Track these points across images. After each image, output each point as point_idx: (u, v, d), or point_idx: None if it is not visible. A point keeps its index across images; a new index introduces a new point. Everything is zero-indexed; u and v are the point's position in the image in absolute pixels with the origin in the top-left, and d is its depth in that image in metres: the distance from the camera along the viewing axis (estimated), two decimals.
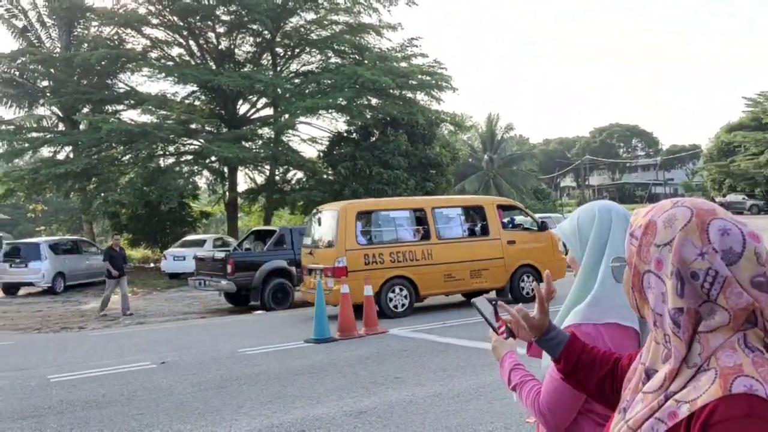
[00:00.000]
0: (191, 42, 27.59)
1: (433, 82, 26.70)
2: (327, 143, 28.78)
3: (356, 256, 11.16)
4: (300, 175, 28.84)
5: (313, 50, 28.25)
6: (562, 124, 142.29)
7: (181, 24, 26.46)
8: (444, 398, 5.94)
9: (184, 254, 21.03)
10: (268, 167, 28.44)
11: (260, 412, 5.76)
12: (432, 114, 27.37)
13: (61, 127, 28.02)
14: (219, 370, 7.70)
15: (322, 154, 28.64)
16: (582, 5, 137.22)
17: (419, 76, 26.37)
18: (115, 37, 27.17)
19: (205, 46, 27.76)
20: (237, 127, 26.54)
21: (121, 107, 27.99)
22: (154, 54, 27.52)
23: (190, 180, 27.21)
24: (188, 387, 6.88)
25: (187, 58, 27.75)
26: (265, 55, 28.48)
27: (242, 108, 28.64)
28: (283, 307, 14.47)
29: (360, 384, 6.65)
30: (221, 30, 27.25)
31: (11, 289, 20.02)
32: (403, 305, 11.51)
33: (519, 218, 15.56)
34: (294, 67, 29.21)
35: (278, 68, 28.25)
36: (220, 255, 15.11)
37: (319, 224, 12.11)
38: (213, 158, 25.77)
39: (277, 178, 28.50)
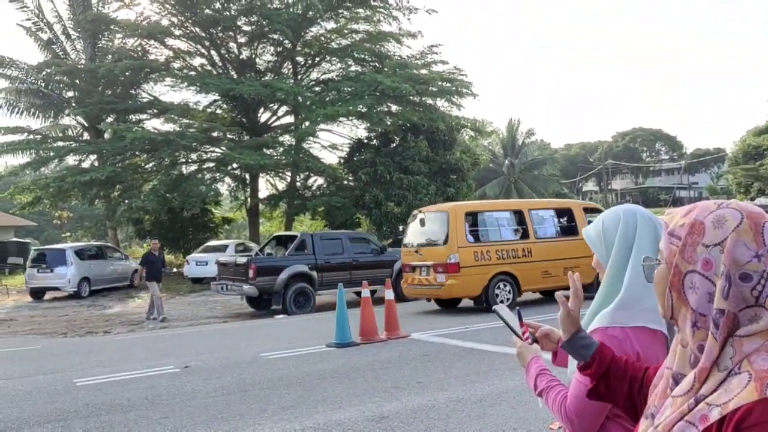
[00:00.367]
0: (213, 52, 27.92)
1: (453, 88, 26.71)
2: (347, 150, 28.91)
3: (467, 253, 12.05)
4: (321, 181, 29.03)
5: (334, 59, 28.42)
6: (584, 129, 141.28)
7: (203, 35, 26.79)
8: (466, 403, 5.90)
9: (207, 259, 21.23)
10: (289, 174, 28.65)
11: (282, 416, 5.77)
12: (452, 120, 27.37)
13: (86, 136, 28.46)
14: (241, 374, 7.74)
15: (342, 161, 28.77)
16: (594, 8, 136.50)
17: (439, 83, 26.40)
18: (139, 49, 27.60)
19: (226, 55, 28.07)
20: (258, 135, 26.77)
21: (144, 116, 28.40)
22: (176, 64, 27.90)
23: (213, 186, 27.47)
24: (211, 391, 6.92)
25: (209, 67, 28.08)
26: (285, 64, 28.72)
27: (263, 116, 28.91)
28: (304, 311, 14.54)
29: (382, 389, 6.64)
30: (242, 40, 27.55)
31: (38, 293, 20.36)
32: (507, 299, 12.14)
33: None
34: (314, 75, 29.43)
35: (299, 77, 28.46)
36: (242, 260, 15.24)
37: (422, 225, 12.82)
38: (235, 165, 26.03)
39: (298, 184, 28.68)
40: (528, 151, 52.39)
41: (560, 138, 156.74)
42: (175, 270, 28.52)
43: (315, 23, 27.06)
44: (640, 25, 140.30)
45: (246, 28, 26.86)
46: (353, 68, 28.16)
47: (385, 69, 26.06)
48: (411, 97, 25.65)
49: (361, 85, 24.64)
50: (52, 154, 27.10)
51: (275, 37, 26.78)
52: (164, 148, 24.63)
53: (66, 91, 28.23)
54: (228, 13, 26.00)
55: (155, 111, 27.62)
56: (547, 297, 13.50)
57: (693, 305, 1.06)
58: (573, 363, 1.76)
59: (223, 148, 26.13)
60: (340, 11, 27.03)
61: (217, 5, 25.96)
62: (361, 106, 24.99)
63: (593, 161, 70.54)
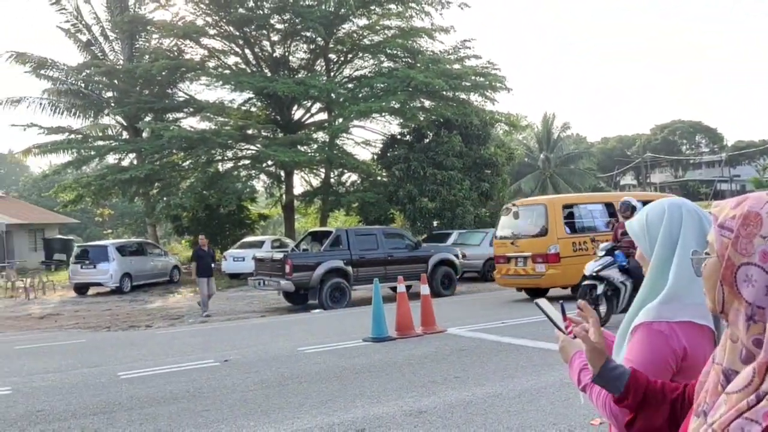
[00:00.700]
0: (247, 51, 28.21)
1: (487, 83, 26.53)
2: (381, 146, 28.96)
3: (566, 244, 12.69)
4: (354, 177, 29.13)
5: (366, 55, 28.45)
6: (621, 122, 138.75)
7: (237, 34, 27.08)
8: (505, 398, 5.87)
9: (244, 255, 21.50)
10: (323, 170, 28.84)
11: (321, 410, 5.82)
12: (486, 114, 27.19)
13: (125, 135, 29.06)
14: (279, 368, 7.83)
15: (375, 157, 28.83)
16: (615, 4, 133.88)
17: (472, 78, 26.23)
18: (175, 48, 28.03)
19: (260, 54, 28.34)
20: (292, 132, 26.99)
21: (181, 115, 28.85)
22: (211, 63, 28.26)
23: (248, 183, 27.84)
24: (250, 384, 7.02)
25: (243, 66, 28.38)
26: (318, 61, 28.86)
27: (297, 113, 29.12)
28: (340, 306, 14.64)
29: (419, 383, 6.65)
30: (276, 38, 27.77)
31: (82, 289, 20.89)
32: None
33: None
34: (347, 72, 29.51)
35: (332, 73, 28.57)
36: (279, 256, 15.40)
37: (516, 217, 13.43)
38: (269, 162, 26.31)
39: (332, 180, 28.84)
40: (564, 145, 51.68)
41: (596, 131, 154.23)
42: (213, 265, 28.97)
43: (347, 20, 27.13)
44: (663, 22, 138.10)
45: (279, 26, 27.08)
46: (386, 64, 28.17)
47: (418, 64, 26.01)
48: (444, 92, 25.55)
49: (394, 81, 24.63)
50: (92, 153, 27.76)
51: (308, 34, 26.93)
52: (201, 146, 25.02)
53: (105, 91, 28.85)
54: (261, 12, 26.24)
55: (191, 109, 28.05)
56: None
57: (749, 298, 1.03)
58: (616, 356, 1.75)
59: (258, 145, 26.42)
60: (372, 7, 27.03)
61: (251, 4, 26.22)
62: (393, 102, 25.00)
63: (631, 155, 69.22)
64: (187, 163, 27.95)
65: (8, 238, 30.43)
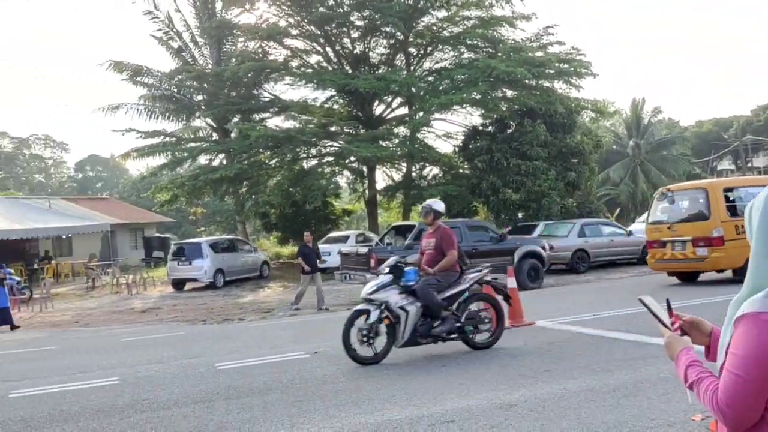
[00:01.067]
0: (328, 49, 28.66)
1: (572, 69, 25.74)
2: (462, 138, 28.70)
3: (728, 227, 12.59)
4: (436, 170, 29.06)
5: (446, 47, 28.25)
6: (718, 104, 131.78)
7: (318, 32, 27.56)
8: (599, 393, 5.69)
9: (329, 250, 21.88)
10: (404, 164, 28.93)
11: (410, 402, 5.85)
12: (571, 102, 26.41)
13: (215, 136, 30.25)
14: None
15: (457, 149, 28.60)
16: None
17: (556, 65, 25.52)
18: (259, 50, 28.87)
19: (341, 51, 28.73)
20: (374, 128, 27.21)
21: (266, 115, 29.70)
22: (294, 63, 28.91)
23: (332, 180, 28.28)
24: (340, 376, 7.15)
25: (325, 64, 28.86)
26: (398, 56, 28.93)
27: (378, 109, 29.32)
28: None
29: (508, 376, 6.55)
30: (356, 35, 28.06)
31: (179, 284, 21.96)
32: None
33: None
34: (427, 65, 29.42)
35: (411, 67, 28.57)
36: (364, 250, 15.61)
37: (672, 202, 13.61)
38: (352, 158, 26.65)
39: (414, 174, 28.88)
40: (654, 130, 49.37)
41: (690, 115, 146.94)
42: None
43: (426, 13, 27.02)
44: (697, 15, 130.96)
45: (359, 23, 27.33)
46: (466, 55, 27.86)
47: (499, 54, 25.56)
48: (527, 81, 24.99)
49: (475, 72, 24.32)
50: (185, 154, 29.07)
51: (387, 29, 27.03)
52: (286, 145, 25.69)
53: (196, 95, 30.11)
54: (341, 10, 26.59)
55: (276, 109, 28.84)
56: None
57: None
58: (722, 355, 1.68)
59: (341, 142, 26.83)
60: None
61: (331, 2, 26.59)
62: (475, 93, 24.70)
63: (728, 138, 65.21)
64: (274, 161, 28.76)
65: (112, 237, 32.46)
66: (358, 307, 7.78)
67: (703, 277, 13.91)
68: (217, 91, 28.03)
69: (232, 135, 28.57)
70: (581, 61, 26.05)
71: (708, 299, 10.70)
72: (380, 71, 27.37)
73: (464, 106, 26.88)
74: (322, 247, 23.25)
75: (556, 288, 16.23)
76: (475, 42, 27.07)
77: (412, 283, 7.58)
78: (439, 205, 8.37)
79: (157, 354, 9.77)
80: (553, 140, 25.18)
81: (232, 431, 5.34)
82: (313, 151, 28.76)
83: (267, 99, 29.38)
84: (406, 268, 7.74)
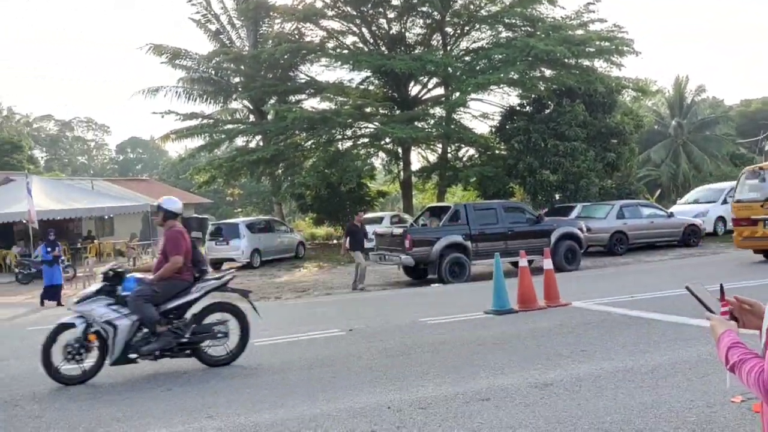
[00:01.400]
0: (364, 29, 28.54)
1: (613, 47, 25.12)
2: (499, 118, 28.36)
3: None
4: (472, 151, 28.82)
5: (483, 26, 27.81)
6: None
7: (354, 13, 27.44)
8: (636, 373, 5.62)
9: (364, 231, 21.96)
10: (440, 145, 28.76)
11: (445, 379, 5.87)
12: (612, 81, 25.81)
13: (251, 118, 30.53)
14: (402, 337, 7.98)
15: (494, 130, 28.30)
16: None
17: (597, 43, 24.93)
18: (296, 32, 28.91)
19: (377, 32, 28.57)
20: (409, 109, 27.08)
21: (302, 96, 29.81)
22: (330, 44, 28.89)
23: (367, 161, 28.31)
24: (375, 353, 7.21)
25: (361, 45, 28.76)
26: (435, 36, 28.64)
27: (414, 89, 29.16)
28: (460, 281, 14.63)
29: (544, 356, 6.52)
30: (392, 15, 27.85)
31: (217, 264, 22.31)
32: None
33: None
34: (464, 45, 29.07)
35: (448, 47, 28.26)
36: (398, 231, 15.62)
37: (764, 180, 13.71)
38: (387, 140, 26.60)
39: (450, 155, 28.69)
40: (698, 109, 47.97)
41: (737, 94, 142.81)
42: (334, 241, 29.95)
43: None
44: (719, 3, 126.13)
45: (395, 2, 27.10)
46: (504, 34, 27.41)
47: (538, 33, 25.08)
48: (566, 60, 24.49)
49: (513, 51, 23.94)
50: (223, 136, 29.42)
51: (424, 9, 26.76)
52: (321, 126, 25.77)
53: (233, 77, 30.37)
54: None
55: (312, 91, 28.91)
56: None
57: None
58: (764, 335, 1.64)
59: (376, 123, 26.77)
60: None
61: None
62: (512, 73, 24.34)
63: None
64: (309, 143, 28.90)
65: (153, 218, 33.16)
66: (64, 319, 6.82)
67: None
68: (253, 73, 28.22)
69: (269, 117, 28.78)
70: (623, 39, 25.40)
71: None
72: (416, 51, 27.16)
73: (501, 86, 26.54)
74: None
75: (594, 270, 16.02)
76: (514, 20, 26.59)
77: (126, 293, 6.70)
78: (171, 203, 7.16)
79: None
80: (593, 120, 24.70)
81: (269, 405, 5.45)
82: (349, 132, 28.78)
83: (303, 80, 29.47)
84: (127, 275, 6.87)
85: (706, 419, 4.32)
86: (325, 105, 28.09)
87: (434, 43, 28.63)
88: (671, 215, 20.46)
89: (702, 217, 21.05)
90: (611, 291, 10.91)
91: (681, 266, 14.93)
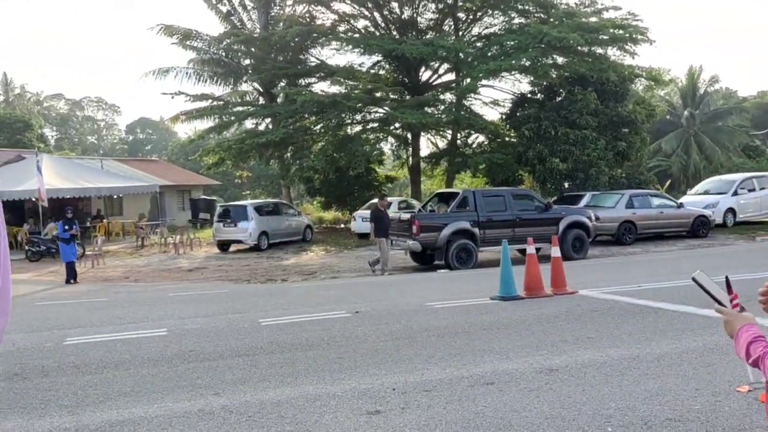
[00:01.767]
0: (376, 13, 28.33)
1: (627, 35, 24.83)
2: (510, 105, 28.18)
3: None
4: (482, 138, 28.68)
5: (496, 12, 27.54)
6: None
7: None
8: (642, 361, 5.61)
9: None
10: (449, 132, 28.63)
11: (450, 363, 5.88)
12: (625, 69, 25.53)
13: (261, 100, 30.45)
14: (408, 321, 7.99)
15: (504, 117, 28.13)
16: None
17: (611, 30, 24.65)
18: (307, 15, 28.76)
19: (388, 16, 28.36)
20: (420, 94, 26.94)
21: (312, 80, 29.69)
22: (341, 28, 28.71)
23: (376, 146, 28.19)
24: (380, 336, 7.23)
25: (372, 29, 28.57)
26: (447, 21, 28.41)
27: (425, 75, 29.01)
28: (466, 267, 14.63)
29: (549, 342, 6.52)
30: None
31: (224, 245, 22.43)
32: None
33: None
34: (476, 30, 28.81)
35: (460, 33, 28.04)
36: (406, 216, 15.61)
37: None
38: (397, 125, 26.50)
39: (459, 141, 28.57)
40: (711, 100, 47.48)
41: (751, 85, 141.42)
42: (342, 226, 29.97)
43: None
44: (722, 2, 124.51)
45: None
46: (516, 20, 27.16)
47: (551, 19, 24.80)
48: (579, 48, 24.25)
49: (525, 38, 23.70)
50: (232, 118, 29.39)
51: None
52: (331, 110, 25.67)
53: (243, 59, 30.29)
54: None
55: (322, 74, 28.79)
56: None
57: None
58: None
59: (386, 108, 26.66)
60: None
61: None
62: (524, 60, 24.13)
63: None
64: (319, 126, 28.83)
65: (161, 198, 33.27)
66: None
67: None
68: (264, 56, 28.11)
69: (279, 99, 28.70)
70: (637, 27, 25.12)
71: None
72: (428, 36, 26.96)
73: (513, 72, 26.36)
74: (365, 213, 23.39)
75: (601, 259, 15.99)
76: (527, 7, 26.33)
77: None
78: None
79: (203, 309, 10.05)
80: (604, 109, 24.50)
81: (275, 384, 5.48)
82: (358, 116, 28.69)
83: (313, 64, 29.35)
84: None
85: (711, 408, 4.31)
86: (335, 89, 27.95)
87: (446, 28, 28.41)
88: (681, 206, 20.35)
89: (712, 208, 20.93)
90: (618, 280, 10.88)
91: (689, 257, 14.86)
